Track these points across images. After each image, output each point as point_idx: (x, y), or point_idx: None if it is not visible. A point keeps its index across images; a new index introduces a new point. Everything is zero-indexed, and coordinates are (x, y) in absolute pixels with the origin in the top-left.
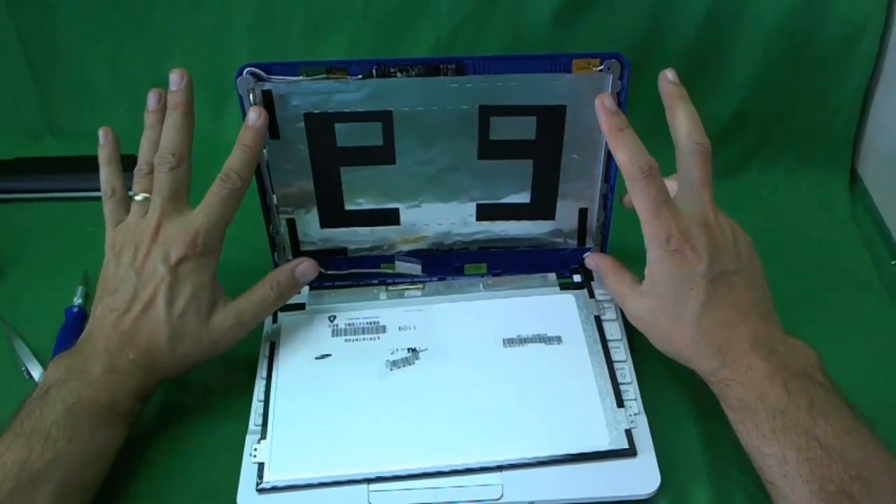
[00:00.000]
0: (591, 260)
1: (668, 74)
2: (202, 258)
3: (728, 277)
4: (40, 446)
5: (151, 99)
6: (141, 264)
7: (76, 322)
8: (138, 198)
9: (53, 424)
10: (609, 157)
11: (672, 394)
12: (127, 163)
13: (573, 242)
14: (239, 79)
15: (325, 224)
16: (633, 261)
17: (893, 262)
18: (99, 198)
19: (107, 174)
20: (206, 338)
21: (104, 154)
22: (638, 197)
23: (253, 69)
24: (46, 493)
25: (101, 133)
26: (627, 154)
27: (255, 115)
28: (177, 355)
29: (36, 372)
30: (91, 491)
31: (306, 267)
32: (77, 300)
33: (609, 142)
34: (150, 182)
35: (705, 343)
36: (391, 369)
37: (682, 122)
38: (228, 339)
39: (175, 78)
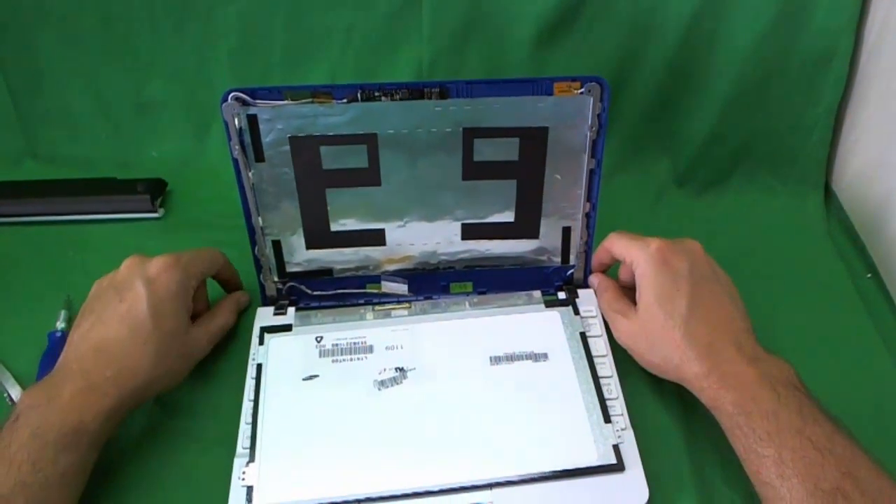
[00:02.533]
0: (592, 279)
1: (593, 281)
2: (183, 281)
3: (708, 281)
4: (4, 472)
5: None
6: (121, 282)
7: (59, 347)
8: None
9: (18, 449)
10: (591, 177)
11: (658, 408)
12: (108, 186)
13: (557, 260)
14: (224, 104)
15: (310, 245)
16: (613, 276)
17: (868, 276)
18: (80, 222)
19: None
20: (185, 354)
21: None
22: (616, 240)
23: (238, 94)
24: None
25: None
26: (602, 249)
27: None
28: (156, 373)
29: (18, 397)
30: None
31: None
32: (60, 325)
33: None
34: None
35: (693, 344)
36: (379, 389)
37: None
38: (199, 357)
39: None
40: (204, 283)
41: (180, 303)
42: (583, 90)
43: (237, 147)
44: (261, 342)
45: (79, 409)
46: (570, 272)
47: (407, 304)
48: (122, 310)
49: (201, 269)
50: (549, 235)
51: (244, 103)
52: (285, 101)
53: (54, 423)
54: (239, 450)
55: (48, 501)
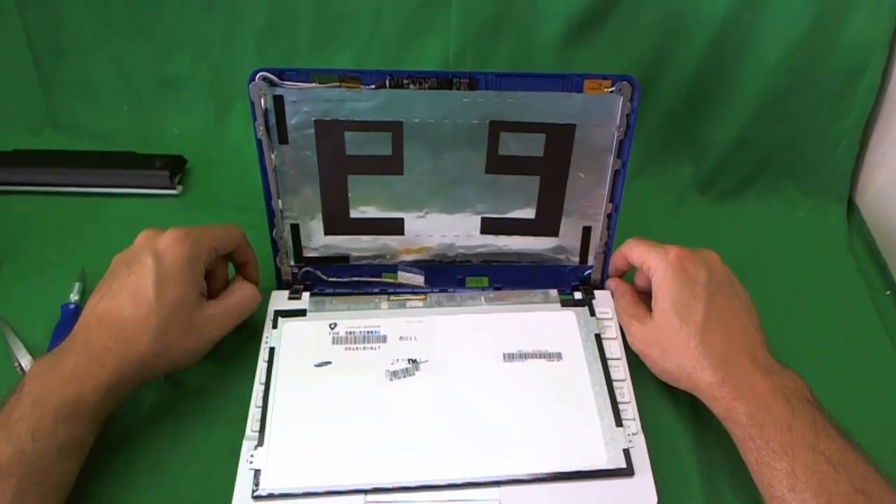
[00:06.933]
0: (610, 283)
1: (611, 285)
2: (192, 254)
3: (725, 292)
4: (4, 441)
5: None
6: (132, 255)
7: (72, 319)
8: None
9: (20, 419)
10: (615, 178)
11: (669, 414)
12: (127, 161)
13: (575, 260)
14: (251, 83)
15: (328, 231)
16: (628, 281)
17: (888, 293)
18: (98, 195)
19: None
20: (190, 333)
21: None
22: (633, 246)
23: (266, 74)
24: (8, 488)
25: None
26: (618, 255)
27: None
28: (157, 347)
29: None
30: (57, 490)
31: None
32: (74, 297)
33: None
34: None
35: (707, 353)
36: (391, 380)
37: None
38: (208, 338)
39: None
40: (224, 264)
41: (188, 275)
42: (613, 89)
43: (262, 128)
44: (274, 326)
45: (79, 380)
46: (587, 272)
47: (422, 296)
48: (130, 281)
49: (213, 243)
50: (569, 234)
51: (271, 84)
52: (313, 84)
53: (54, 393)
54: (248, 433)
55: (45, 473)
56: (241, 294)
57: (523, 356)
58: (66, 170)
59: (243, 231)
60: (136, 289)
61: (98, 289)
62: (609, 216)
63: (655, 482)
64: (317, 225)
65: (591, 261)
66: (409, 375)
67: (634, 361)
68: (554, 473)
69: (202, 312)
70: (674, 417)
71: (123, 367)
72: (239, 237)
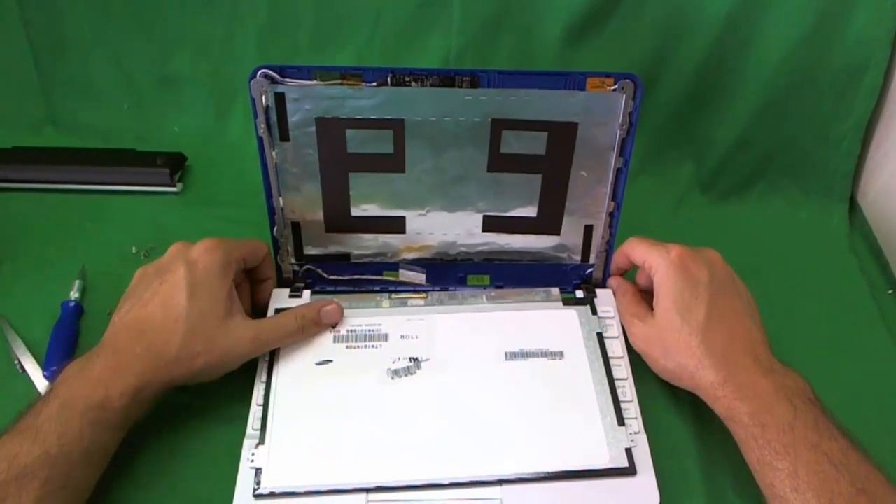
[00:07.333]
0: (611, 282)
1: (612, 284)
2: (224, 263)
3: (727, 291)
4: (31, 441)
5: None
6: (163, 265)
7: (72, 317)
8: None
9: (46, 420)
10: (617, 176)
11: (671, 414)
12: (128, 158)
13: (577, 258)
14: (252, 81)
15: (330, 229)
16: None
17: (890, 292)
18: (98, 192)
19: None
20: (219, 342)
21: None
22: (635, 245)
23: (266, 71)
24: (32, 490)
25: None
26: (620, 254)
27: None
28: (185, 353)
29: (29, 365)
30: (79, 492)
31: (332, 308)
32: (74, 295)
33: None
34: None
35: (709, 352)
36: (392, 378)
37: (636, 262)
38: (239, 352)
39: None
40: (248, 280)
41: (219, 285)
42: (616, 87)
43: (263, 125)
44: None
45: (105, 385)
46: (589, 271)
47: (423, 294)
48: (161, 290)
49: (242, 255)
50: (571, 233)
51: (273, 81)
52: (314, 81)
53: (81, 397)
54: (249, 431)
55: (70, 476)
56: (280, 324)
57: (525, 355)
58: (67, 167)
59: (269, 247)
60: (167, 296)
61: (126, 299)
62: (611, 214)
63: (658, 481)
64: (318, 223)
65: (592, 259)
66: (411, 374)
67: (636, 360)
68: (556, 472)
69: (232, 327)
70: (676, 417)
71: (150, 374)
72: (265, 252)
